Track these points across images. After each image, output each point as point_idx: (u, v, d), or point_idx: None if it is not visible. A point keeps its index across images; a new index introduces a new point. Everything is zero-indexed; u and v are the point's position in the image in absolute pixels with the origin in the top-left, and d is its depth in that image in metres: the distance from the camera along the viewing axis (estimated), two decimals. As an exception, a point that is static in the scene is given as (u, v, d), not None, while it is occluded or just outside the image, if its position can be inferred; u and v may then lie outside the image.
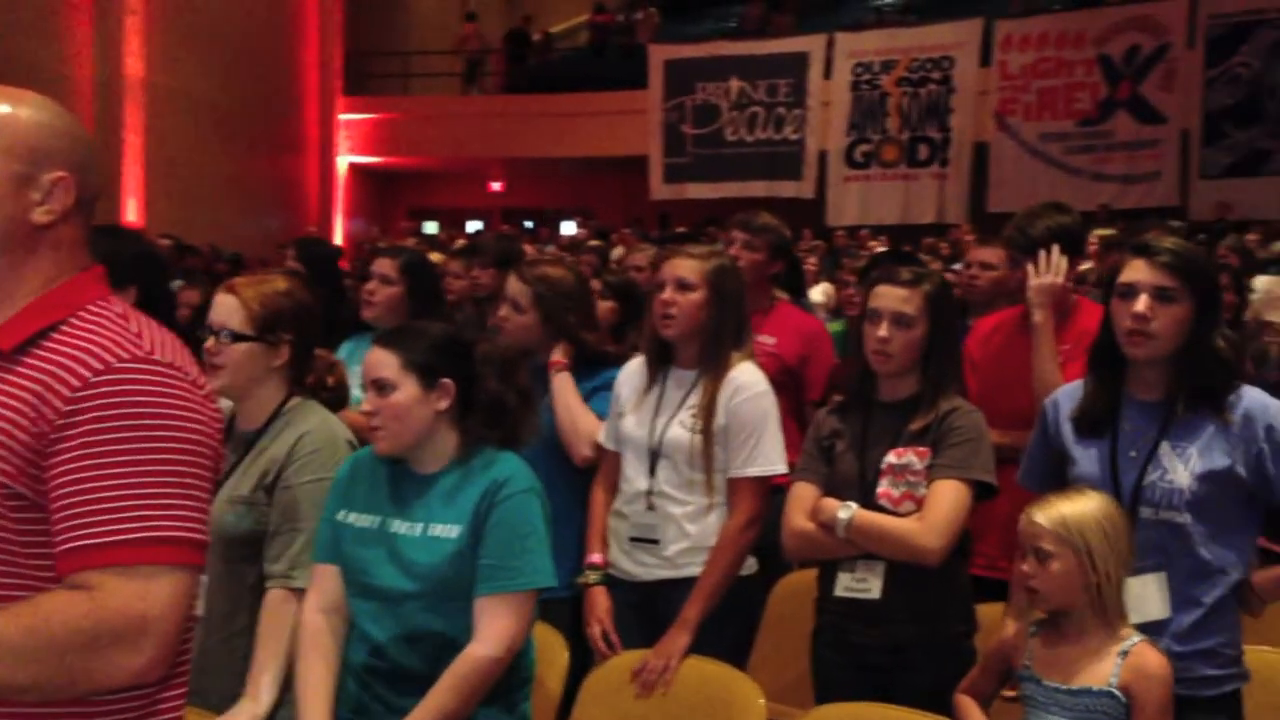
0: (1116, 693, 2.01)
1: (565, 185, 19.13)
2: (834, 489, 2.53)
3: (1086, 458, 2.23)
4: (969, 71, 15.15)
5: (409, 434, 2.18)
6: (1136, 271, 2.16)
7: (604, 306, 3.75)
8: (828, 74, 15.86)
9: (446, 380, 2.20)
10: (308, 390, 2.51)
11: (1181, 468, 2.12)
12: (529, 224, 18.12)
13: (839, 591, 2.50)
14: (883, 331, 2.47)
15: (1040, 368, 2.87)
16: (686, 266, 2.73)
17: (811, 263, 9.93)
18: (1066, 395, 2.35)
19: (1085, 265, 5.10)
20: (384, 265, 3.34)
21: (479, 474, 2.19)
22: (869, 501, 2.47)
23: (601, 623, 2.72)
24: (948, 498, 2.39)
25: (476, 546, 2.14)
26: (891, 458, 2.47)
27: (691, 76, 16.48)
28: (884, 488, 2.46)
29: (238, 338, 2.36)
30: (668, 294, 2.72)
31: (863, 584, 2.46)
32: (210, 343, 2.37)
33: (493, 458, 2.22)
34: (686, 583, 2.66)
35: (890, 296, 2.49)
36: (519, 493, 2.17)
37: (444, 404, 2.19)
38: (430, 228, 17.93)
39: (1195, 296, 2.13)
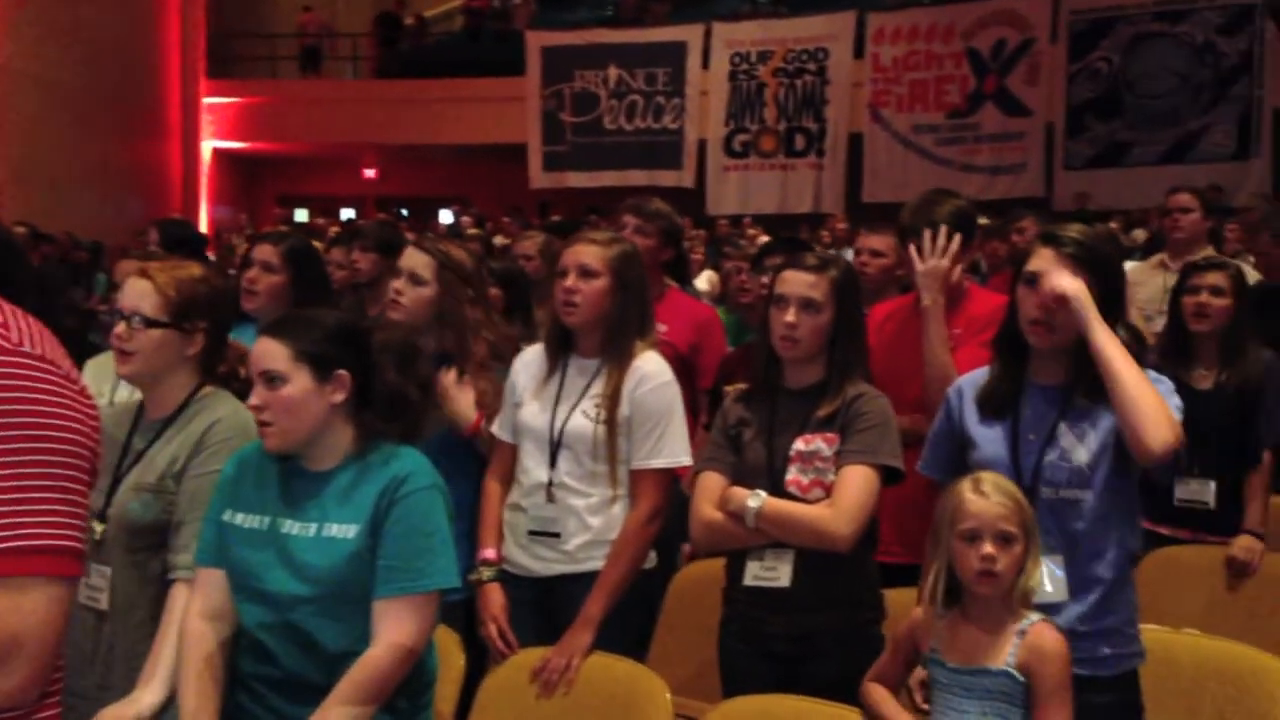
0: (1014, 672, 2.01)
1: (441, 173, 18.78)
2: (742, 477, 2.50)
3: (988, 440, 2.24)
4: (843, 63, 15.36)
5: (301, 429, 2.06)
6: (1044, 261, 2.16)
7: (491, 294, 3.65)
8: (705, 64, 15.90)
9: (342, 371, 2.08)
10: (220, 380, 2.40)
11: (1080, 447, 2.15)
12: (404, 212, 17.74)
13: (748, 581, 2.46)
14: (790, 317, 2.44)
15: (931, 352, 2.88)
16: (590, 253, 2.66)
17: (698, 252, 9.99)
18: (969, 382, 2.35)
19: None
20: (266, 252, 3.16)
21: (377, 470, 2.07)
22: (778, 489, 2.44)
23: (496, 621, 2.63)
24: (856, 483, 2.38)
25: (375, 547, 2.03)
26: (799, 444, 2.45)
27: (569, 64, 16.34)
28: (793, 475, 2.44)
29: (150, 324, 2.24)
30: (570, 281, 2.64)
31: (772, 573, 2.43)
32: (121, 328, 2.25)
33: (392, 453, 2.10)
34: (587, 577, 2.59)
35: (798, 282, 2.47)
36: (421, 489, 2.06)
37: (339, 397, 2.07)
38: (301, 216, 17.42)
39: (1098, 287, 2.14)
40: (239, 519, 2.10)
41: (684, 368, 3.45)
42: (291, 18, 18.79)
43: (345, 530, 2.04)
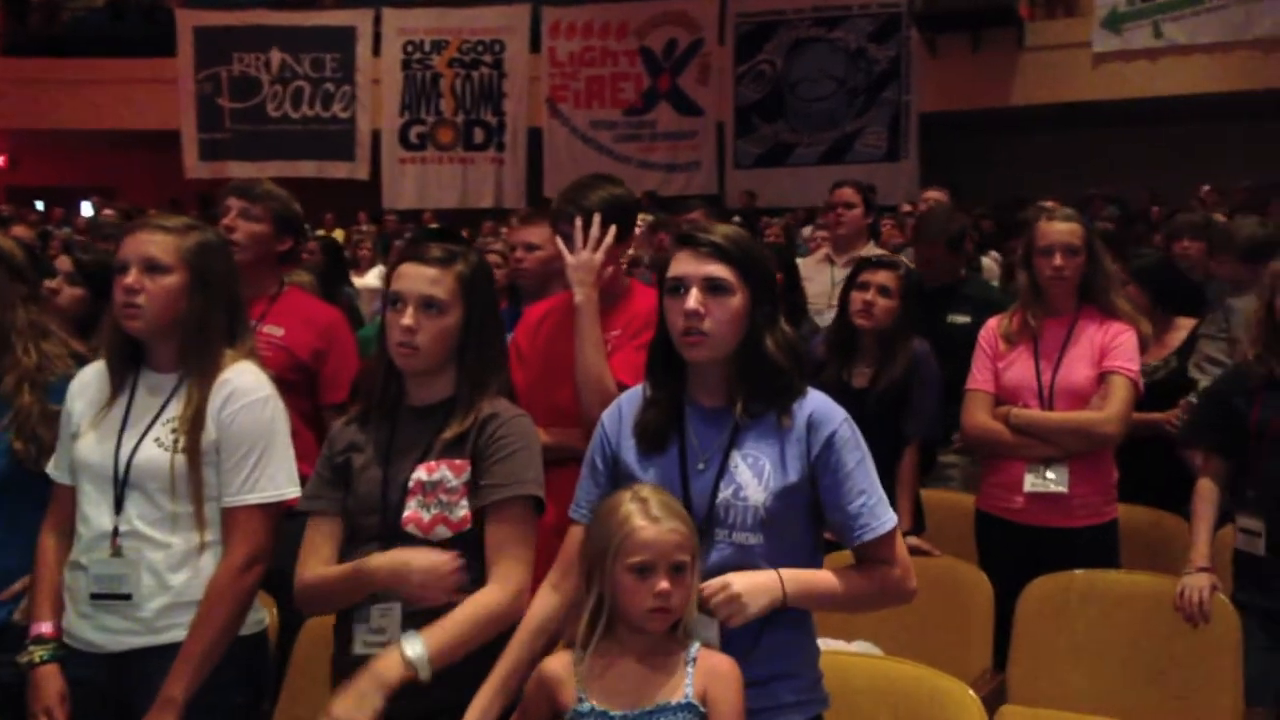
0: (696, 703, 1.77)
1: (84, 161, 17.06)
2: (354, 514, 2.06)
3: (653, 478, 1.88)
4: (519, 56, 15.22)
5: None
6: (684, 264, 1.86)
7: (70, 294, 3.03)
8: (377, 51, 15.32)
9: None
10: None
11: (755, 484, 1.84)
12: (39, 204, 15.92)
13: (357, 649, 2.01)
14: (407, 319, 2.01)
15: (583, 355, 2.55)
16: (156, 243, 2.13)
17: (365, 248, 9.44)
18: (630, 402, 1.99)
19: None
20: None
21: None
22: (392, 527, 2.01)
23: (50, 714, 2.07)
24: (520, 536, 2.02)
25: None
26: (421, 473, 2.02)
27: (227, 46, 15.34)
28: (411, 510, 2.01)
29: None
30: (132, 278, 2.11)
31: (379, 637, 1.98)
32: None
33: None
34: (170, 651, 2.07)
35: (416, 278, 2.04)
36: None
37: None
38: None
39: (749, 285, 1.86)
40: None
41: (306, 378, 2.97)
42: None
43: None
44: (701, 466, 1.86)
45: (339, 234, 12.03)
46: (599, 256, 2.59)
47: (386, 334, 2.06)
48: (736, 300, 1.84)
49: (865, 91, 14.22)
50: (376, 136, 15.36)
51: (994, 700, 2.78)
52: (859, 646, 2.75)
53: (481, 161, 15.37)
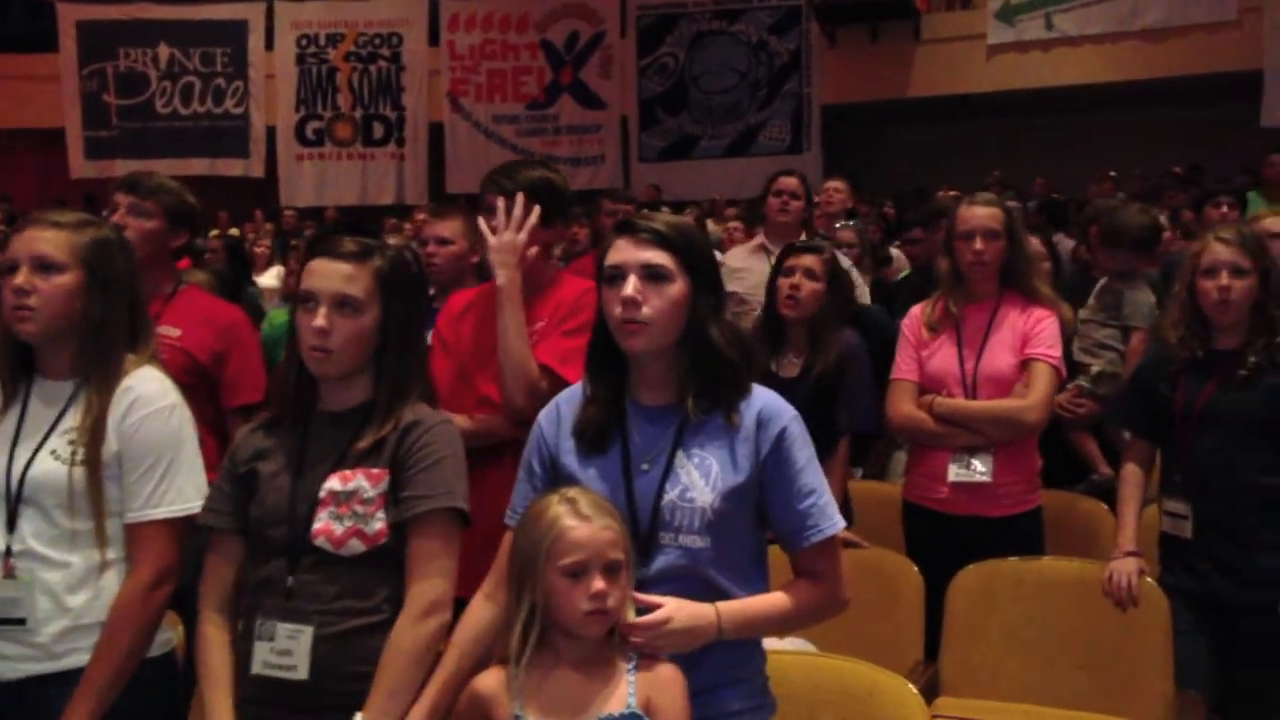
0: (639, 712, 1.70)
1: (-36, 162, 16.35)
2: (260, 526, 1.93)
3: (594, 479, 1.80)
4: (418, 50, 14.98)
5: None
6: (622, 251, 1.78)
7: None
8: (269, 44, 14.94)
9: None
10: None
11: (703, 484, 1.77)
12: (-87, 207, 15.22)
13: (257, 669, 1.88)
14: (320, 320, 1.89)
15: (505, 340, 2.46)
16: (49, 240, 1.99)
17: (263, 245, 9.20)
18: (568, 402, 1.90)
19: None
20: None
21: None
22: (301, 541, 1.89)
23: None
24: (442, 554, 1.89)
25: None
26: (334, 483, 1.90)
27: (112, 41, 14.84)
28: (323, 522, 1.88)
29: None
30: (22, 278, 1.97)
31: (286, 659, 1.86)
32: None
33: None
34: (71, 677, 1.93)
35: (329, 275, 1.92)
36: None
37: None
38: None
39: (690, 274, 1.79)
40: None
41: (206, 382, 2.82)
42: None
43: None
44: (645, 467, 1.79)
45: (234, 232, 11.71)
46: (521, 237, 2.50)
47: (298, 336, 1.94)
48: (676, 288, 1.77)
49: (767, 84, 14.27)
50: (271, 132, 14.99)
51: (928, 692, 2.76)
52: (792, 644, 2.70)
53: (381, 157, 15.10)
